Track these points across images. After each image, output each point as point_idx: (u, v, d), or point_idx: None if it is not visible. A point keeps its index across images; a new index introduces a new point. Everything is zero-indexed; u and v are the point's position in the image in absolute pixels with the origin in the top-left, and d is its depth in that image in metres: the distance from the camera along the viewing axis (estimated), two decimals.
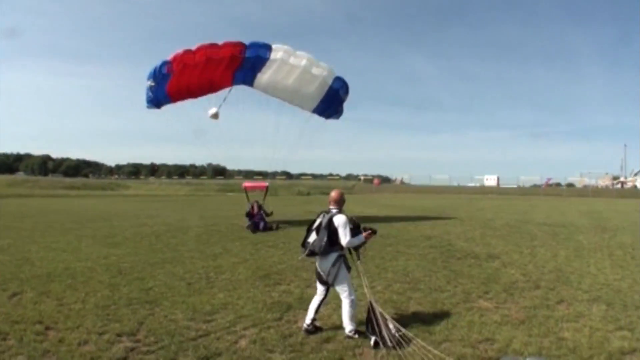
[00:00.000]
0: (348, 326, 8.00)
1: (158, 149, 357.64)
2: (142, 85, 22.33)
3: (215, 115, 20.28)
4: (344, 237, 7.89)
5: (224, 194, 76.27)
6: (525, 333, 8.51)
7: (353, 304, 8.08)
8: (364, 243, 8.32)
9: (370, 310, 8.09)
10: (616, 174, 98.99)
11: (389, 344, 7.56)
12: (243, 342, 7.89)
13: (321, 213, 8.29)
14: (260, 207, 24.34)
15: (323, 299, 8.41)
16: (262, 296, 10.85)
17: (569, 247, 17.86)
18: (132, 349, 7.45)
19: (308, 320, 8.32)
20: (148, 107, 23.04)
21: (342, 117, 25.45)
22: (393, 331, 7.89)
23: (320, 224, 8.08)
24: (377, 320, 7.87)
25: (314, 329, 8.28)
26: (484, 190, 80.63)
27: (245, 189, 27.04)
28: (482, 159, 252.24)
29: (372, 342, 7.73)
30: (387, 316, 8.16)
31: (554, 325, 8.89)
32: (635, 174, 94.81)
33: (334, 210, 8.13)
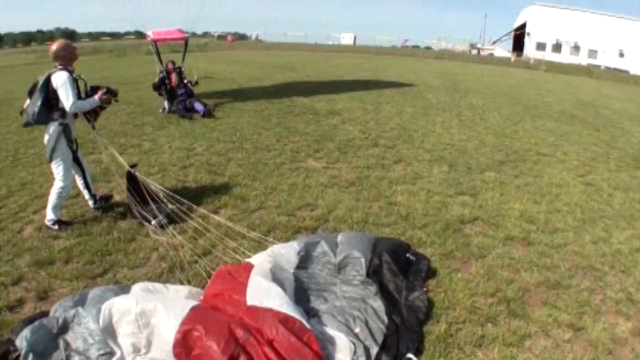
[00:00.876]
0: (49, 214, 6.54)
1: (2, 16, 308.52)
2: None
3: None
4: (67, 100, 6.12)
5: None
6: (353, 197, 7.62)
7: (63, 192, 6.58)
8: (101, 107, 6.72)
9: (128, 186, 6.85)
10: (474, 41, 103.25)
11: (154, 222, 6.44)
12: (27, 230, 6.62)
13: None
14: (180, 72, 16.05)
15: (84, 174, 6.95)
16: None
17: (416, 105, 17.44)
18: None
19: (90, 201, 7.13)
20: None
21: None
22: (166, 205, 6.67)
23: (34, 85, 6.21)
24: (134, 196, 6.64)
25: (104, 202, 7.19)
26: (340, 49, 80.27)
27: (154, 43, 16.78)
28: (339, 18, 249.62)
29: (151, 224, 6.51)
30: (154, 188, 6.69)
31: (386, 188, 8.12)
32: (494, 42, 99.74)
33: (58, 67, 6.21)
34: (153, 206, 6.46)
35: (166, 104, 15.32)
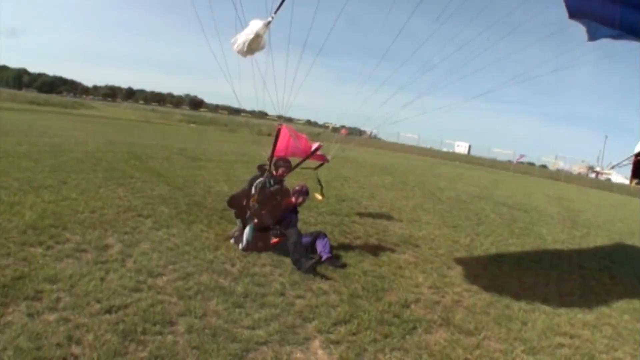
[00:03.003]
0: None
1: (138, 73, 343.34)
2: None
3: (254, 47, 7.37)
4: None
5: (185, 124, 70.10)
6: None
7: None
8: None
9: None
10: (592, 163, 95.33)
11: None
12: None
13: None
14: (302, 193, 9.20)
15: None
16: None
17: (525, 243, 12.69)
18: None
19: None
20: None
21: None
22: None
23: None
24: None
25: None
26: (452, 157, 76.01)
27: (275, 154, 9.10)
28: (453, 124, 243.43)
29: None
30: None
31: None
32: (612, 167, 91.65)
33: None
34: None
35: (247, 233, 8.32)
